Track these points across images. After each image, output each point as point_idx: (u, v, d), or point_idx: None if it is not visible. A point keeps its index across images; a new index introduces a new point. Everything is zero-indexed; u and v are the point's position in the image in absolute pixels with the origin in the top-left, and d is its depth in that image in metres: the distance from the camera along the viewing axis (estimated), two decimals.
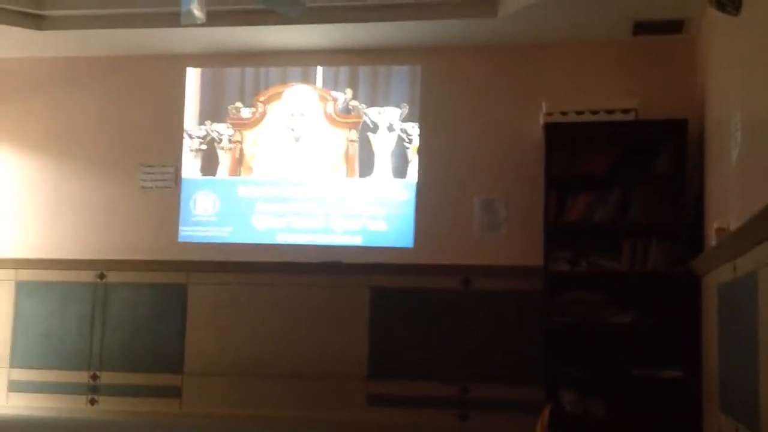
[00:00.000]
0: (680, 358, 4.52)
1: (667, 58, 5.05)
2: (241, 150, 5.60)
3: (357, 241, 5.39)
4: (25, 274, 5.67)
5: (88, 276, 5.59)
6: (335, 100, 5.54)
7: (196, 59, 5.71)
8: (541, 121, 4.88)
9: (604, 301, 4.76)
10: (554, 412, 4.57)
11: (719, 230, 3.62)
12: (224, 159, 5.62)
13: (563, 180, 4.80)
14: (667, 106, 4.85)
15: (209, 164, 5.64)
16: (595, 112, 4.77)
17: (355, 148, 5.49)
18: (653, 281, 4.68)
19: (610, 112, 4.76)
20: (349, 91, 5.53)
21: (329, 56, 5.54)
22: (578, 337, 4.76)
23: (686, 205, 4.58)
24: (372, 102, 5.50)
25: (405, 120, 5.45)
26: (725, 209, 3.75)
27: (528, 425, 4.69)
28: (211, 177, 5.60)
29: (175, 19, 4.60)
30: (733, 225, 3.40)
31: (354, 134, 5.51)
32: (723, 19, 3.37)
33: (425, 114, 5.42)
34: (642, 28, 4.90)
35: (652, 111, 4.82)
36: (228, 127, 5.64)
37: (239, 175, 5.58)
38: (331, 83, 5.56)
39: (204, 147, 5.64)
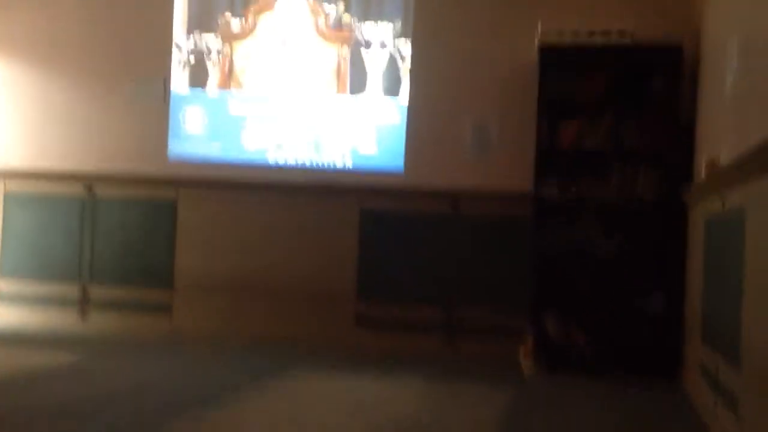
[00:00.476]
0: (664, 288, 4.52)
1: None
2: (231, 63, 5.47)
3: (348, 162, 5.32)
4: (13, 186, 5.65)
5: (76, 189, 5.56)
6: (327, 14, 5.38)
7: None
8: (537, 43, 4.75)
9: (592, 229, 4.74)
10: (538, 338, 4.61)
11: (710, 163, 3.55)
12: (214, 73, 5.49)
13: (556, 104, 4.71)
14: (663, 30, 4.68)
15: (198, 78, 5.52)
16: (591, 33, 4.64)
17: (346, 64, 5.36)
18: (641, 209, 4.65)
19: (607, 33, 4.62)
20: (341, 5, 5.36)
21: None
22: (565, 265, 4.76)
23: (678, 134, 4.51)
24: (365, 17, 5.34)
25: (398, 37, 5.30)
26: (717, 140, 3.67)
27: (513, 350, 4.74)
28: (200, 89, 5.49)
29: None
30: (724, 157, 3.33)
31: (345, 50, 5.37)
32: None
33: (418, 31, 5.27)
34: None
35: (648, 34, 4.67)
36: (217, 39, 5.49)
37: (229, 88, 5.47)
38: None
39: (192, 59, 5.51)
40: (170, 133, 5.52)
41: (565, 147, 4.72)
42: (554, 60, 4.69)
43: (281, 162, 5.38)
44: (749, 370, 2.54)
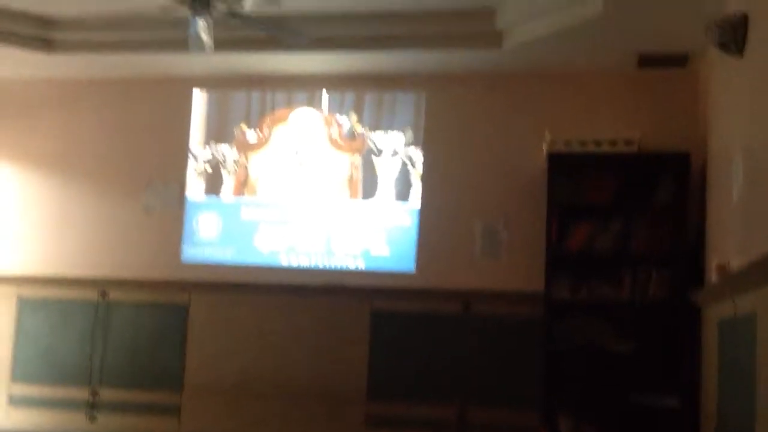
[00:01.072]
0: (678, 388, 4.54)
1: (671, 91, 5.08)
2: (246, 172, 5.64)
3: (359, 264, 5.41)
4: (28, 291, 5.71)
5: (90, 294, 5.62)
6: (340, 124, 5.58)
7: (203, 81, 5.76)
8: (545, 150, 4.92)
9: (605, 329, 4.78)
10: None
11: (719, 267, 3.64)
12: (229, 181, 5.65)
13: (565, 208, 4.84)
14: (669, 139, 4.88)
15: (214, 186, 5.67)
16: (598, 143, 4.81)
17: (358, 172, 5.53)
18: (653, 310, 4.71)
19: (613, 143, 4.80)
20: (353, 116, 5.57)
21: (334, 81, 5.59)
22: (577, 364, 4.79)
23: (687, 237, 4.61)
24: (376, 127, 5.54)
25: (409, 145, 5.49)
26: (725, 245, 3.77)
27: None
28: (215, 197, 5.64)
29: (182, 44, 4.67)
30: (733, 262, 3.42)
31: (358, 159, 5.54)
32: (726, 58, 3.40)
33: (429, 140, 5.45)
34: (647, 61, 4.93)
35: (654, 143, 4.86)
36: (233, 150, 5.68)
37: (243, 195, 5.61)
38: (337, 107, 5.60)
39: (209, 169, 5.68)
40: (184, 239, 5.63)
41: (575, 249, 4.82)
42: (563, 166, 4.85)
43: (293, 264, 5.46)
44: None
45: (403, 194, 5.45)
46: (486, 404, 5.08)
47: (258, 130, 5.68)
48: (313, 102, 5.64)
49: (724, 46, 3.10)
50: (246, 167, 5.67)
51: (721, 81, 4.10)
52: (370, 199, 5.48)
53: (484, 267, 5.25)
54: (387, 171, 5.50)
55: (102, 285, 5.62)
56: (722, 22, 3.09)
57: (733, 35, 2.96)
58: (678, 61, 4.90)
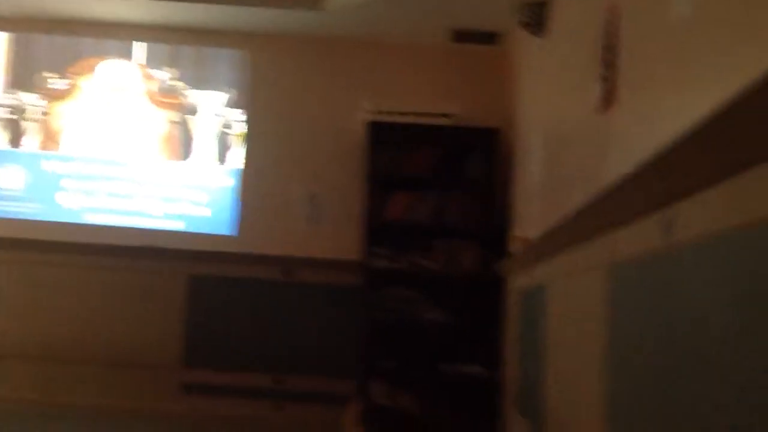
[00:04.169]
0: (485, 356, 4.72)
1: (484, 67, 5.22)
2: (52, 123, 5.28)
3: (178, 226, 5.23)
4: None
5: None
6: (156, 79, 5.33)
7: (5, 22, 5.31)
8: (365, 119, 4.93)
9: (420, 299, 4.90)
10: (365, 404, 4.66)
11: (520, 239, 3.79)
12: (34, 132, 5.28)
13: (385, 178, 4.88)
14: (484, 114, 5.02)
15: (18, 136, 5.27)
16: (416, 115, 4.87)
17: (176, 130, 5.32)
18: (465, 282, 4.86)
19: (431, 115, 4.88)
20: (172, 71, 5.33)
21: (151, 32, 5.31)
22: (392, 333, 4.87)
23: (495, 211, 4.78)
24: (196, 84, 5.34)
25: (230, 106, 5.33)
26: (527, 219, 3.94)
27: (341, 416, 4.76)
28: (17, 150, 5.25)
29: None
30: (532, 235, 3.57)
31: (176, 116, 5.33)
32: (530, 38, 3.52)
33: (252, 101, 5.32)
34: (461, 36, 5.03)
35: (470, 118, 4.98)
36: (39, 98, 5.30)
37: (50, 149, 5.26)
38: (153, 61, 5.34)
39: (14, 117, 5.27)
40: None
41: (393, 219, 4.88)
42: (382, 136, 4.86)
43: (106, 224, 5.21)
44: None
45: (223, 156, 5.31)
46: (304, 372, 5.07)
47: (66, 79, 5.33)
48: (127, 53, 5.34)
49: (527, 26, 3.20)
50: (52, 118, 5.30)
51: (525, 60, 4.25)
52: (189, 159, 5.29)
53: (307, 234, 5.21)
54: (207, 131, 5.33)
55: None
56: (525, 3, 3.18)
57: (535, 16, 3.06)
58: (489, 38, 5.04)
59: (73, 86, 5.32)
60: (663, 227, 1.51)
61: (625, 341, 1.78)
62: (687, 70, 1.54)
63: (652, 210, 1.57)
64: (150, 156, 5.28)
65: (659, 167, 1.41)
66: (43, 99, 5.30)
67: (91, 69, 5.34)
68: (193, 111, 5.30)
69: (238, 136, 5.30)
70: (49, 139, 5.28)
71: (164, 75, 5.33)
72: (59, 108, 5.32)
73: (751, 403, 1.08)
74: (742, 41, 1.27)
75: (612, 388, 1.86)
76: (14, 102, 5.30)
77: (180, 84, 5.32)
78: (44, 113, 5.29)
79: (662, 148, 1.31)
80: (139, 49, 5.34)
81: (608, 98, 2.15)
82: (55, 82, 5.33)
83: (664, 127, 1.33)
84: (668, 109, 1.61)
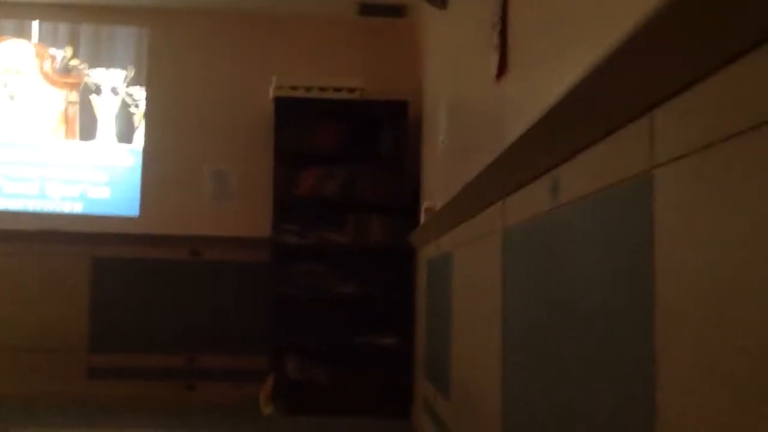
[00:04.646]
0: (398, 328, 4.78)
1: (392, 41, 5.23)
2: None
3: (77, 208, 5.08)
4: None
5: None
6: (53, 57, 5.13)
7: None
8: (271, 95, 4.88)
9: (329, 273, 4.91)
10: (278, 380, 4.66)
11: (428, 210, 3.84)
12: None
13: (293, 154, 4.85)
14: (391, 87, 5.03)
15: None
16: (323, 89, 4.85)
17: (75, 110, 5.14)
18: (375, 254, 4.89)
19: (338, 89, 4.86)
20: (68, 49, 5.14)
21: (47, 10, 5.11)
22: (304, 308, 4.87)
23: (406, 183, 4.83)
24: (95, 63, 5.16)
25: (131, 83, 5.19)
26: (434, 190, 3.99)
27: (254, 393, 4.74)
28: None
29: None
30: (439, 206, 3.62)
31: (74, 95, 5.15)
32: (434, 10, 3.54)
33: (152, 78, 5.19)
34: (367, 9, 5.03)
35: (378, 91, 4.98)
36: None
37: None
38: (50, 39, 5.13)
39: None
40: None
41: (303, 195, 4.86)
42: (289, 111, 4.82)
43: (3, 209, 5.01)
44: (455, 400, 2.76)
45: (125, 136, 5.16)
46: (216, 350, 5.02)
47: None
48: (23, 32, 5.13)
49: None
50: None
51: (431, 32, 4.29)
52: (90, 140, 5.13)
53: (213, 212, 5.14)
54: (107, 110, 5.17)
55: None
56: None
57: None
58: (395, 11, 5.05)
59: None
60: (550, 190, 1.55)
61: (516, 304, 1.83)
62: (567, 30, 1.58)
63: (542, 174, 1.62)
64: (48, 137, 5.08)
65: (543, 130, 1.44)
66: None
67: None
68: (98, 91, 5.13)
69: (141, 115, 5.16)
70: None
71: (61, 54, 5.13)
72: None
73: (628, 352, 1.13)
74: None
75: (507, 348, 1.92)
76: None
77: (78, 63, 5.13)
78: None
79: (545, 110, 1.34)
80: (37, 28, 5.12)
81: (501, 66, 2.19)
82: None
83: (552, 90, 1.36)
84: (553, 71, 1.65)
